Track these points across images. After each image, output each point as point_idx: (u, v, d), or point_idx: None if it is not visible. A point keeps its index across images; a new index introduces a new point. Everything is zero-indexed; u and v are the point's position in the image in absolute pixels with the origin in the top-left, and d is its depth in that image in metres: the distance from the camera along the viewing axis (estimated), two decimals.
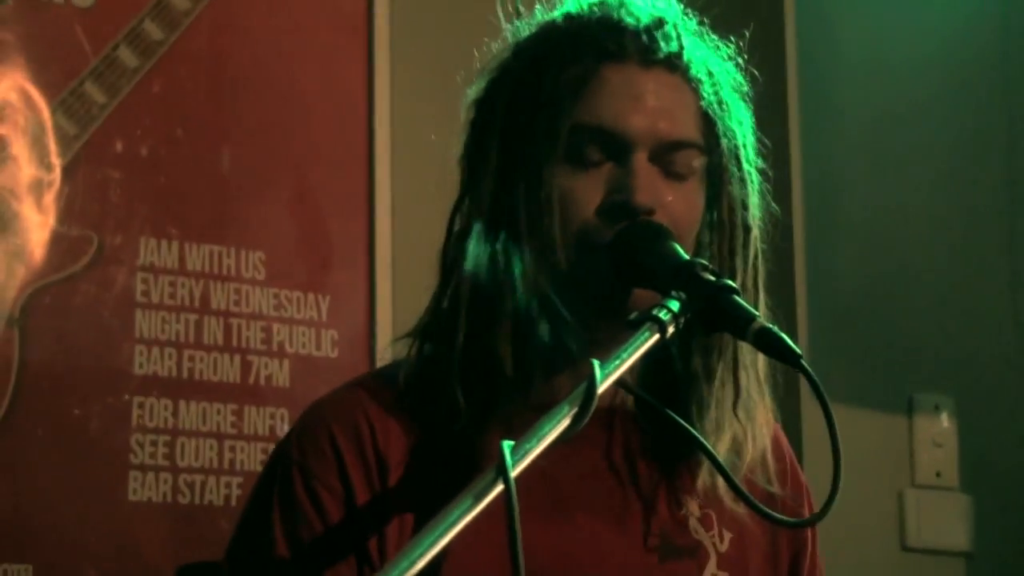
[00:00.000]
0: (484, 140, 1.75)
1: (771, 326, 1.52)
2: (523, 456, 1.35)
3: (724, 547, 1.77)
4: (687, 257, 1.64)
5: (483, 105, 1.78)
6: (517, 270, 1.68)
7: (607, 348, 1.61)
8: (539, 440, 1.37)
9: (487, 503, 1.31)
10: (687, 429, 1.69)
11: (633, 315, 1.54)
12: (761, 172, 1.81)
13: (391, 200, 3.13)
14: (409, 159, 3.17)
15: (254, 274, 3.02)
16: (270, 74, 3.10)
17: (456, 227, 1.77)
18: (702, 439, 1.69)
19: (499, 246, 1.70)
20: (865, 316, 3.60)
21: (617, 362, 1.46)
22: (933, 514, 3.60)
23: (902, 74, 3.78)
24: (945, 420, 3.64)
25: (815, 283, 3.49)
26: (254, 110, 3.07)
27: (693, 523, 1.76)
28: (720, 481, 1.74)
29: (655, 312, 1.52)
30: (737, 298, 1.55)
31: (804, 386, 3.20)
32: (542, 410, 1.52)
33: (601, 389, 1.42)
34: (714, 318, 1.55)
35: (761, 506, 1.66)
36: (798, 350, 1.51)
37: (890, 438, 3.58)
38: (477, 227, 1.73)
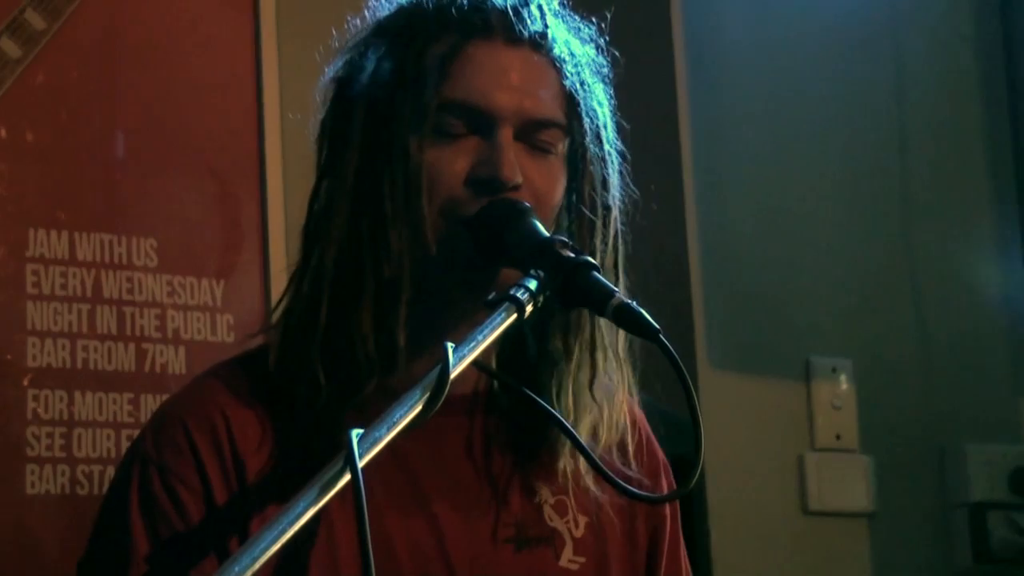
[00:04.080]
0: (347, 117, 1.74)
1: (630, 302, 1.52)
2: (372, 445, 1.33)
3: (580, 532, 1.76)
4: (547, 235, 1.63)
5: (344, 83, 1.77)
6: (382, 247, 1.67)
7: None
8: (389, 428, 1.35)
9: (333, 494, 1.29)
10: (546, 408, 1.68)
11: (491, 296, 1.53)
12: (620, 153, 1.81)
13: (283, 182, 3.10)
14: (300, 139, 3.12)
15: (146, 261, 2.99)
16: (158, 59, 3.07)
17: (317, 205, 1.75)
18: (562, 419, 1.68)
19: (363, 223, 1.68)
20: (760, 279, 3.60)
21: (472, 344, 1.45)
22: (834, 477, 3.62)
23: (794, 38, 3.79)
24: (843, 382, 3.66)
25: (709, 247, 3.48)
26: (143, 97, 3.03)
27: (547, 511, 1.75)
28: (580, 464, 1.74)
29: (512, 292, 1.51)
30: (596, 274, 1.55)
31: (699, 356, 3.25)
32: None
33: (454, 373, 1.40)
34: (573, 295, 1.54)
35: (623, 484, 1.66)
36: (656, 325, 1.50)
37: (788, 402, 3.60)
38: (340, 205, 1.71)
